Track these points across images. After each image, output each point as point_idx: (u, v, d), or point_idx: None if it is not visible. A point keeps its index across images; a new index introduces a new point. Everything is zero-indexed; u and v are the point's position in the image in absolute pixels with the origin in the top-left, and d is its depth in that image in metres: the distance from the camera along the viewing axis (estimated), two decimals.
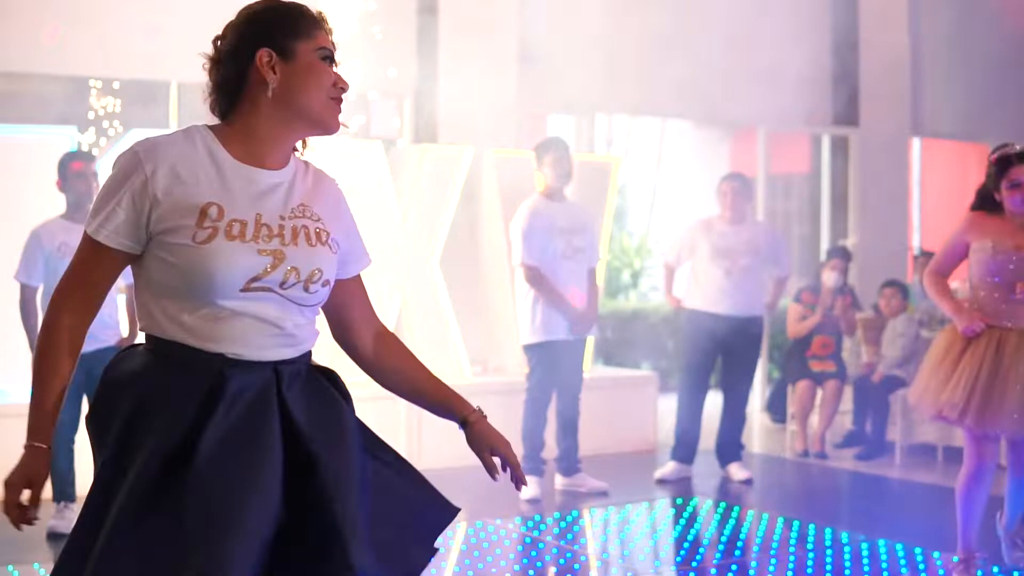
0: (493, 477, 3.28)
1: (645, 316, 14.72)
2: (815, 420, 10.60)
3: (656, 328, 14.22)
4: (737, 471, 9.27)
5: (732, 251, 9.12)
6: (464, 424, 3.29)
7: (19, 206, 8.54)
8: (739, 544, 7.31)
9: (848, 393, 10.69)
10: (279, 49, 3.00)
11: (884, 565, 6.75)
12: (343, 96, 3.08)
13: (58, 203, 7.70)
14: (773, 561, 6.93)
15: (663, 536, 7.71)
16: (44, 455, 2.91)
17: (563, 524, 7.88)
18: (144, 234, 2.91)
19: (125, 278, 7.27)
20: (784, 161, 14.79)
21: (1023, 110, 13.90)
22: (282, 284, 2.95)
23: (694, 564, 6.86)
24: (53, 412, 2.92)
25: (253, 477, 2.86)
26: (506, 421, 8.99)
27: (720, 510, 8.28)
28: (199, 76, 3.08)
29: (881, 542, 7.19)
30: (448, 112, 10.82)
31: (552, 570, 6.77)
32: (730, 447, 9.38)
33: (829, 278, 10.70)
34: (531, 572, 6.66)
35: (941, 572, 6.58)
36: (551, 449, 8.88)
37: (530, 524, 7.83)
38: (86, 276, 2.96)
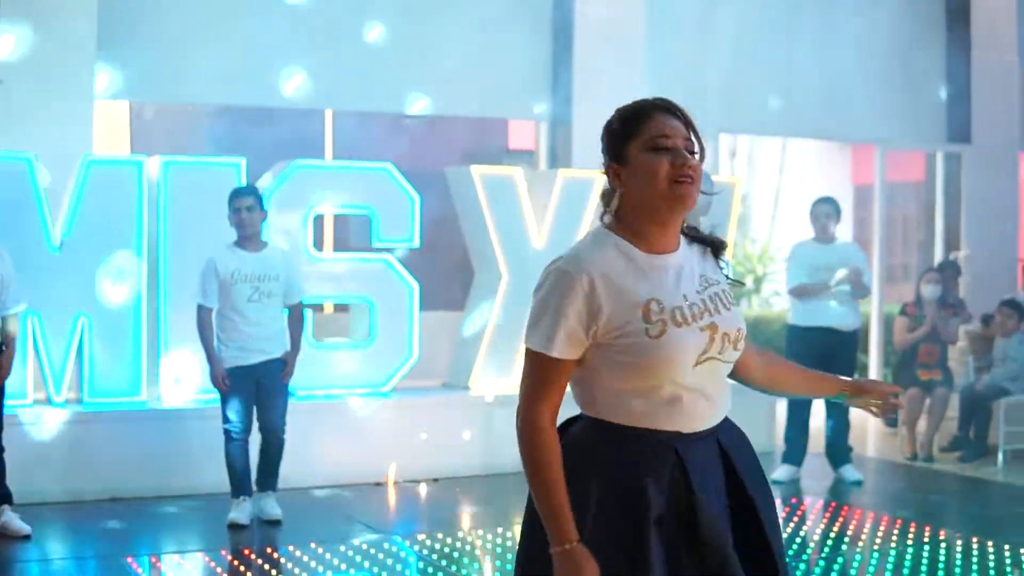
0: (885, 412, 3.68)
1: (768, 323, 15.01)
2: (923, 426, 11.02)
3: (779, 335, 14.20)
4: (848, 473, 9.78)
5: (829, 268, 9.68)
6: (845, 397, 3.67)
7: (195, 232, 9.22)
8: (845, 541, 7.90)
9: (955, 400, 11.10)
10: (617, 158, 3.23)
11: (978, 563, 7.24)
12: (688, 171, 3.16)
13: (230, 230, 8.26)
14: (875, 555, 7.49)
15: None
16: (582, 549, 3.09)
17: None
18: (588, 340, 3.15)
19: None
20: (900, 170, 15.12)
21: None
22: (720, 351, 3.21)
23: (803, 559, 7.45)
24: (568, 512, 3.13)
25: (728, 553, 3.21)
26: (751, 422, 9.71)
27: (830, 510, 8.79)
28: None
29: (977, 540, 7.67)
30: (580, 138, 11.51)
31: None
32: (838, 451, 9.89)
33: (926, 290, 11.21)
34: None
35: None
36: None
37: None
38: (547, 388, 3.19)
